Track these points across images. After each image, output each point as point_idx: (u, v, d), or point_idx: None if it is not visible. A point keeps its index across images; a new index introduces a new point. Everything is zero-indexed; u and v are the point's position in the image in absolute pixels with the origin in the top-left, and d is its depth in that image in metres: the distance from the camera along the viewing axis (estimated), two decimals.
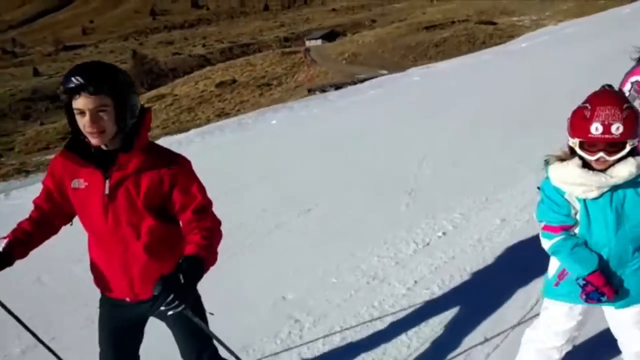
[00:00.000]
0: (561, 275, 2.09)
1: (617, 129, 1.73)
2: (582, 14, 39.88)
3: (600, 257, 1.94)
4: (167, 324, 2.15)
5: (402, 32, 39.49)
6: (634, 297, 1.99)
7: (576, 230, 1.99)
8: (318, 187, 5.23)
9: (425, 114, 8.02)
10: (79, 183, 1.88)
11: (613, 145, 1.77)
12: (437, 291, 3.23)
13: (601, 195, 1.87)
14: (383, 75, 26.08)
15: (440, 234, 3.98)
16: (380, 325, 2.95)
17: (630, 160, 1.82)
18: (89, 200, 1.87)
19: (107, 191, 1.83)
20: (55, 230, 2.01)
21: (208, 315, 2.20)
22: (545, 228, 2.04)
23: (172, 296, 1.61)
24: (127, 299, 2.00)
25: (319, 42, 65.88)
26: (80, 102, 1.64)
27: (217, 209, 1.95)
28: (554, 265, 2.17)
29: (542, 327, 2.20)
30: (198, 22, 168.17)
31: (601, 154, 1.78)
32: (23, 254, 1.91)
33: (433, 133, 6.84)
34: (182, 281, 1.63)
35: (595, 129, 1.74)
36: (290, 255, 3.89)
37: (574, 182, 1.88)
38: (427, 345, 2.77)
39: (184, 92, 35.77)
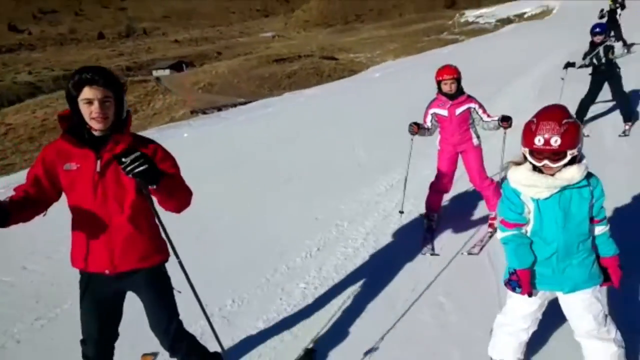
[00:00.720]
0: None
1: (555, 141, 1.99)
2: (408, 53, 46.23)
3: (548, 249, 2.21)
4: (141, 298, 2.40)
5: (254, 64, 41.27)
6: (580, 284, 2.23)
7: (529, 228, 2.26)
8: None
9: (323, 123, 9.40)
10: (71, 166, 2.15)
11: (555, 154, 2.03)
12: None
13: (551, 196, 2.13)
14: (242, 103, 27.26)
15: (304, 254, 4.23)
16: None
17: (575, 166, 2.08)
18: (80, 179, 2.15)
19: (98, 169, 2.14)
20: (37, 211, 2.18)
21: (175, 292, 2.46)
22: (502, 222, 2.32)
23: (139, 155, 1.93)
24: (107, 271, 2.22)
25: (167, 72, 64.67)
26: (89, 93, 2.00)
27: None
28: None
29: (509, 312, 2.41)
30: (19, 47, 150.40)
31: (546, 161, 2.05)
32: (17, 219, 2.06)
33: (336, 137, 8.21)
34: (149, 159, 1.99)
35: (539, 140, 2.01)
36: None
37: (526, 183, 2.14)
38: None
39: (20, 121, 32.07)
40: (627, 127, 6.54)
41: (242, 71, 38.06)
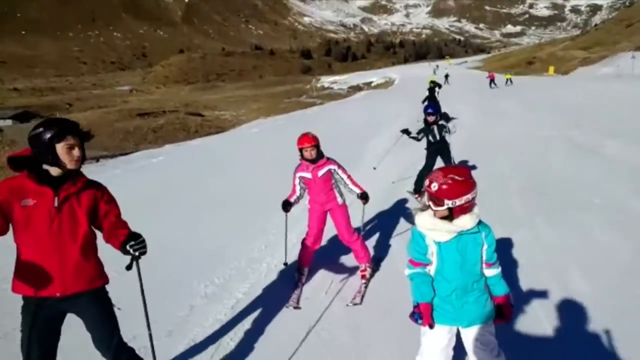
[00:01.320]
0: None
1: (434, 187, 2.29)
2: (272, 113, 48.82)
3: (449, 286, 2.43)
4: (86, 317, 2.66)
5: (116, 117, 39.95)
6: (476, 319, 2.46)
7: (432, 267, 2.47)
8: None
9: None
10: (28, 202, 2.39)
11: (436, 199, 2.31)
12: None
13: (450, 240, 2.36)
14: (107, 155, 26.35)
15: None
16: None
17: (468, 214, 2.35)
18: (37, 214, 2.42)
19: (56, 204, 2.43)
20: None
21: (115, 309, 2.76)
22: (409, 261, 2.54)
23: (142, 240, 2.48)
24: (57, 294, 2.48)
25: (9, 122, 58.31)
26: (72, 140, 2.39)
27: None
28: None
29: (425, 351, 2.59)
30: None
31: (430, 203, 2.34)
32: None
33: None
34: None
35: (426, 182, 2.34)
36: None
37: (429, 227, 2.37)
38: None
39: None
40: None
41: (103, 124, 36.61)
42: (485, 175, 7.68)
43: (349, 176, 4.59)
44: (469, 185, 2.32)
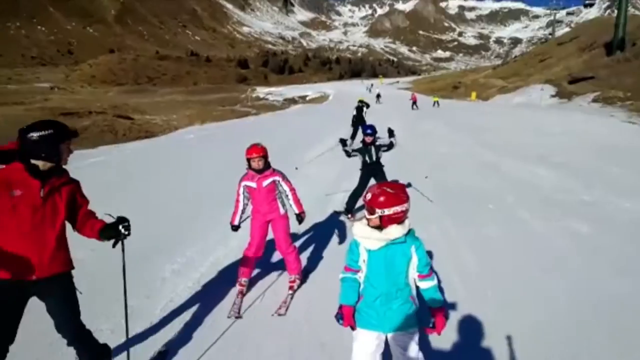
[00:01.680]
0: (355, 304, 2.69)
1: (367, 197, 2.54)
2: (203, 120, 48.14)
3: (374, 292, 2.59)
4: (50, 301, 2.90)
5: (37, 115, 37.57)
6: (398, 327, 2.58)
7: (363, 274, 2.65)
8: None
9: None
10: (15, 192, 2.65)
11: (369, 208, 2.54)
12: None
13: (380, 248, 2.53)
14: None
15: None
16: None
17: (399, 225, 2.54)
18: (23, 203, 2.67)
19: (42, 195, 2.72)
20: None
21: (78, 293, 3.02)
22: (344, 267, 2.73)
23: (129, 222, 2.94)
24: (34, 277, 2.75)
25: None
26: (71, 141, 2.82)
27: None
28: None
29: (355, 355, 2.66)
30: None
31: (365, 212, 2.56)
32: None
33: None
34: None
35: (365, 195, 2.60)
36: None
37: (362, 235, 2.57)
38: None
39: None
40: None
41: (23, 123, 34.32)
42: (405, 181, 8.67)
43: (292, 189, 4.77)
44: (400, 198, 2.52)
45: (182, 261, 5.57)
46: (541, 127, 18.13)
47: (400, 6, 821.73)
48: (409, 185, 8.72)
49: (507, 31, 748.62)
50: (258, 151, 4.51)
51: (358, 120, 14.83)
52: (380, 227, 2.53)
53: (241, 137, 17.11)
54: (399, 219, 2.53)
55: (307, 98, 66.19)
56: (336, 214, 7.52)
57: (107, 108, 52.57)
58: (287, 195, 4.75)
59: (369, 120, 14.93)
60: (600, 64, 35.24)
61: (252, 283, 4.92)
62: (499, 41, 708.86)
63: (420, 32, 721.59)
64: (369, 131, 7.16)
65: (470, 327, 3.93)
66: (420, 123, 22.25)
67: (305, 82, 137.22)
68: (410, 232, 2.61)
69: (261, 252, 4.83)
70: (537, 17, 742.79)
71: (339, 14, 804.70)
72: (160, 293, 4.78)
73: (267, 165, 4.62)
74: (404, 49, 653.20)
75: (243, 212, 4.73)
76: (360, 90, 56.29)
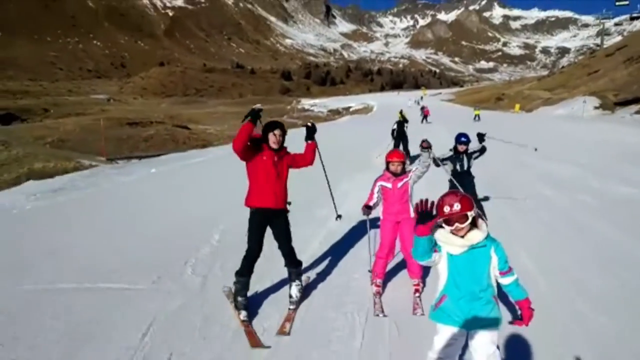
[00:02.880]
0: (439, 303, 2.84)
1: (457, 206, 2.63)
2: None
3: (458, 293, 2.75)
4: (275, 227, 4.46)
5: (106, 124, 41.38)
6: (481, 326, 2.75)
7: (443, 277, 2.82)
8: None
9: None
10: (263, 156, 4.23)
11: (460, 218, 2.66)
12: None
13: (462, 253, 2.71)
14: (101, 160, 28.03)
15: None
16: None
17: (477, 230, 2.73)
18: (265, 163, 4.24)
19: (275, 159, 4.32)
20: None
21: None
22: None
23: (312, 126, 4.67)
24: (271, 206, 4.34)
25: None
26: (276, 131, 4.27)
27: None
28: (435, 293, 2.88)
29: (436, 346, 2.86)
30: None
31: (456, 224, 2.67)
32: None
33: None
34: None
35: (446, 209, 2.65)
36: None
37: (444, 240, 2.74)
38: None
39: None
40: None
41: (95, 131, 38.06)
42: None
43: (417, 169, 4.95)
44: (470, 199, 2.73)
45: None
46: (572, 135, 19.46)
47: (442, 16, 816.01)
48: None
49: (554, 40, 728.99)
50: (399, 156, 4.87)
51: (399, 136, 14.69)
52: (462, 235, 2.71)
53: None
54: (476, 222, 2.76)
55: (351, 109, 68.20)
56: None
57: (164, 118, 56.55)
58: (419, 169, 4.91)
59: (414, 134, 15.25)
60: None
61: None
62: (545, 51, 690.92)
63: (463, 42, 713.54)
64: (463, 139, 6.96)
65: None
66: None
67: (347, 94, 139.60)
68: (488, 235, 2.78)
69: (393, 254, 5.04)
70: (586, 25, 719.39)
71: (380, 25, 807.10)
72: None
73: (404, 170, 4.89)
74: (446, 60, 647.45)
75: (375, 206, 4.94)
76: (402, 101, 57.71)
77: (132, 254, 5.92)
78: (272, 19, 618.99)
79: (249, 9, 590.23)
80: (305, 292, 4.85)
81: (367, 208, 4.85)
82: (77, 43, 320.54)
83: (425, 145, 4.75)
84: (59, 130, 38.97)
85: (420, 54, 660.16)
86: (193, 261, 5.71)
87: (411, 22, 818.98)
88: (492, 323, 2.76)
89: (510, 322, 3.00)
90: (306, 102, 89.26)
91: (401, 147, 13.80)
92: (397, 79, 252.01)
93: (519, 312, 2.87)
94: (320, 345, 3.80)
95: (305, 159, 4.62)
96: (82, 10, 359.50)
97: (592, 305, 4.41)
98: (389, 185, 4.83)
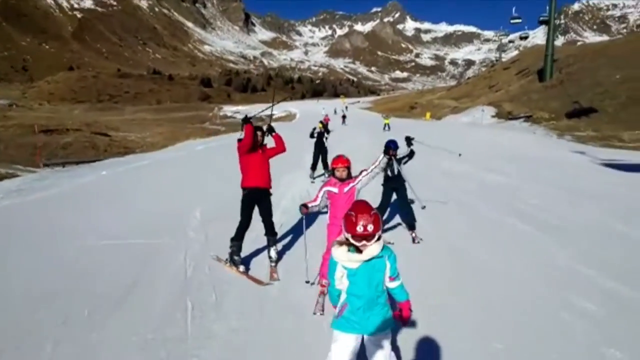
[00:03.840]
0: (340, 312, 3.03)
1: (370, 227, 2.78)
2: (176, 138, 50.39)
3: (358, 302, 2.93)
4: (261, 204, 5.81)
5: (17, 132, 39.53)
6: (378, 329, 2.95)
7: (343, 287, 2.99)
8: None
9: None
10: (256, 149, 5.79)
11: (368, 237, 2.81)
12: None
13: (360, 266, 2.89)
14: (19, 169, 27.05)
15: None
16: None
17: (376, 243, 2.86)
18: (256, 155, 5.74)
19: (261, 152, 5.87)
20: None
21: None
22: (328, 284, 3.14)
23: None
24: (260, 186, 5.76)
25: None
26: (258, 132, 5.97)
27: None
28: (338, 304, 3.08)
29: (335, 354, 3.03)
30: None
31: (364, 241, 2.83)
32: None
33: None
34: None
35: (359, 228, 2.80)
36: None
37: (343, 259, 2.90)
38: None
39: None
40: (414, 234, 7.12)
41: (4, 138, 36.32)
42: None
43: (366, 169, 5.11)
44: (380, 217, 2.85)
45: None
46: (469, 139, 22.48)
47: (359, 27, 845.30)
48: None
49: (461, 53, 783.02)
50: (344, 162, 4.94)
51: (319, 147, 13.49)
52: (358, 249, 2.85)
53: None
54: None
55: (274, 116, 69.32)
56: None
57: (80, 125, 54.25)
58: (368, 172, 5.08)
59: (332, 146, 14.48)
60: (533, 88, 40.55)
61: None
62: (453, 62, 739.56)
63: (379, 52, 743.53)
64: (392, 145, 6.86)
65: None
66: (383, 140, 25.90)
67: (272, 102, 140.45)
68: (384, 246, 2.91)
69: None
70: (488, 40, 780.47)
71: (299, 34, 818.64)
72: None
73: (349, 175, 4.96)
74: (363, 69, 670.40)
75: (315, 208, 4.96)
76: (320, 110, 60.18)
77: (147, 223, 7.86)
78: (190, 24, 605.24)
79: (165, 14, 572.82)
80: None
81: (304, 207, 4.89)
82: None
83: (392, 154, 5.27)
84: None
85: (338, 63, 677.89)
86: (190, 228, 7.59)
87: (329, 32, 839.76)
88: (388, 324, 3.00)
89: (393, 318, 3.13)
90: (228, 109, 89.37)
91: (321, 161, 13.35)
92: (318, 87, 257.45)
93: (400, 312, 3.12)
94: (297, 283, 5.41)
95: (279, 148, 6.20)
96: None
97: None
98: (335, 189, 4.91)
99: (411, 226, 7.16)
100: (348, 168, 4.92)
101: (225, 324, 4.48)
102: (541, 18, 44.18)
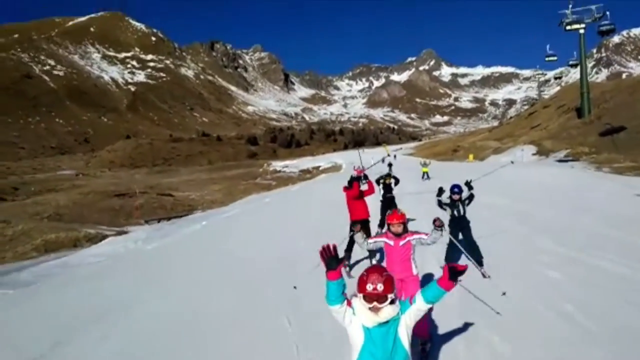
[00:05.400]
0: None
1: (380, 287, 2.77)
2: (232, 194, 54.02)
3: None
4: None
5: (96, 198, 43.98)
6: None
7: (359, 346, 2.91)
8: None
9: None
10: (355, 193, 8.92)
11: (380, 298, 2.78)
12: None
13: (374, 326, 2.85)
14: (104, 229, 30.68)
15: None
16: None
17: (390, 306, 2.85)
18: (361, 197, 8.88)
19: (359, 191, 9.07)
20: None
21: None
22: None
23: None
24: (367, 218, 8.73)
25: None
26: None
27: None
28: None
29: None
30: None
31: (375, 303, 2.79)
32: None
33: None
34: None
35: (369, 287, 2.79)
36: None
37: (362, 313, 2.87)
38: None
39: None
40: (483, 271, 7.46)
41: (86, 203, 40.73)
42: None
43: (425, 234, 4.94)
44: (392, 280, 2.90)
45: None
46: (514, 178, 24.17)
47: (395, 77, 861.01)
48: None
49: (500, 93, 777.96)
50: (399, 218, 4.83)
51: (387, 203, 12.19)
52: (375, 309, 2.85)
53: (303, 199, 23.33)
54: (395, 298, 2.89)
55: (320, 168, 72.73)
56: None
57: (145, 188, 59.30)
58: (424, 240, 4.86)
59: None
60: (572, 125, 41.68)
61: None
62: (494, 103, 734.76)
63: (417, 99, 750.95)
64: (456, 190, 7.90)
65: None
66: (432, 188, 27.85)
67: (315, 154, 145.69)
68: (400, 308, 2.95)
69: None
70: (527, 78, 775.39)
71: (337, 88, 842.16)
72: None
73: (405, 229, 4.90)
74: (403, 117, 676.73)
75: (366, 246, 4.97)
76: (366, 159, 62.28)
77: (268, 254, 10.38)
78: (233, 88, 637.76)
79: (210, 81, 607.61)
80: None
81: (362, 228, 5.02)
82: (39, 122, 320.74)
83: (439, 224, 4.85)
84: (51, 206, 41.28)
85: (377, 113, 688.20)
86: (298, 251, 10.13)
87: (366, 84, 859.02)
88: None
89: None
90: (277, 164, 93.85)
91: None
92: (359, 137, 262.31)
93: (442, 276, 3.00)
94: None
95: (370, 191, 8.95)
96: (43, 91, 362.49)
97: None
98: (391, 242, 4.86)
99: (479, 263, 7.59)
100: (404, 223, 4.88)
101: None
102: (571, 62, 45.77)
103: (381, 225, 11.60)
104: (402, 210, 4.93)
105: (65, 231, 28.35)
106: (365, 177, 11.43)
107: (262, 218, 16.56)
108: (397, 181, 12.46)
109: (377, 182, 12.38)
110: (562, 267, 7.52)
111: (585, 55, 44.14)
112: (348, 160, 75.00)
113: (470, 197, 8.07)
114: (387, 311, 2.83)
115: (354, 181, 8.29)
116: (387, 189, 12.46)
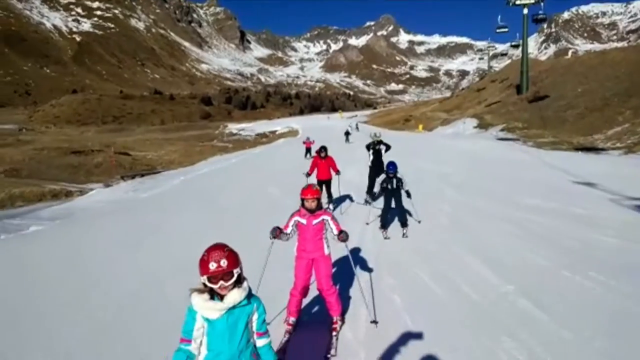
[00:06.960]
0: None
1: (224, 262, 2.52)
2: (189, 155, 54.88)
3: (217, 359, 2.61)
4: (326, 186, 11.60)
5: (51, 154, 43.98)
6: None
7: (204, 341, 2.64)
8: None
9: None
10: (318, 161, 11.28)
11: (226, 274, 2.53)
12: None
13: (220, 316, 2.58)
14: (67, 185, 31.48)
15: None
16: None
17: (237, 289, 2.60)
18: (319, 162, 11.30)
19: (323, 161, 11.36)
20: None
21: None
22: (180, 339, 2.66)
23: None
24: (326, 178, 11.23)
25: None
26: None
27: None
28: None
29: None
30: None
31: (221, 282, 2.53)
32: None
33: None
34: None
35: (212, 265, 2.51)
36: None
37: (203, 307, 2.58)
38: None
39: None
40: (405, 230, 8.84)
41: (42, 160, 40.93)
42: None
43: (337, 226, 4.80)
44: (236, 255, 2.62)
45: None
46: (448, 148, 27.15)
47: (353, 41, 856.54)
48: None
49: (455, 64, 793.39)
50: (313, 193, 4.71)
51: (376, 168, 12.05)
52: (221, 296, 2.59)
53: (265, 162, 25.44)
54: (240, 280, 2.64)
55: (277, 132, 74.13)
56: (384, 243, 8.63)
57: (101, 147, 58.84)
58: (332, 231, 4.79)
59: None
60: (511, 101, 45.31)
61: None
62: (448, 73, 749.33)
63: (374, 66, 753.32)
64: (391, 168, 8.90)
65: None
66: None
67: (270, 118, 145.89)
68: (249, 292, 2.71)
69: (307, 293, 4.93)
70: (481, 50, 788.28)
71: (294, 49, 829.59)
72: None
73: (319, 206, 4.77)
74: (359, 83, 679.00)
75: (286, 236, 4.74)
76: (323, 124, 64.02)
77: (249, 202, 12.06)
78: (186, 44, 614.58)
79: (162, 35, 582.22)
80: None
81: (278, 230, 4.67)
82: None
83: (342, 238, 4.61)
84: (6, 161, 40.83)
85: (334, 77, 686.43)
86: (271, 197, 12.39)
87: (324, 47, 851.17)
88: None
89: None
90: (233, 127, 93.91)
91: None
92: (315, 102, 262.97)
93: None
94: None
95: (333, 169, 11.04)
96: None
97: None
98: (304, 221, 4.73)
99: (404, 224, 8.94)
100: (318, 199, 4.76)
101: None
102: (512, 43, 49.18)
103: (369, 192, 11.97)
104: (317, 187, 4.85)
105: (27, 186, 29.06)
106: (310, 150, 12.42)
107: (235, 176, 18.51)
108: (387, 147, 12.17)
109: (368, 147, 12.51)
110: (458, 208, 10.41)
111: (527, 35, 47.55)
112: (305, 125, 76.61)
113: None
114: (233, 296, 2.60)
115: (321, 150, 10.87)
116: (377, 154, 12.29)
